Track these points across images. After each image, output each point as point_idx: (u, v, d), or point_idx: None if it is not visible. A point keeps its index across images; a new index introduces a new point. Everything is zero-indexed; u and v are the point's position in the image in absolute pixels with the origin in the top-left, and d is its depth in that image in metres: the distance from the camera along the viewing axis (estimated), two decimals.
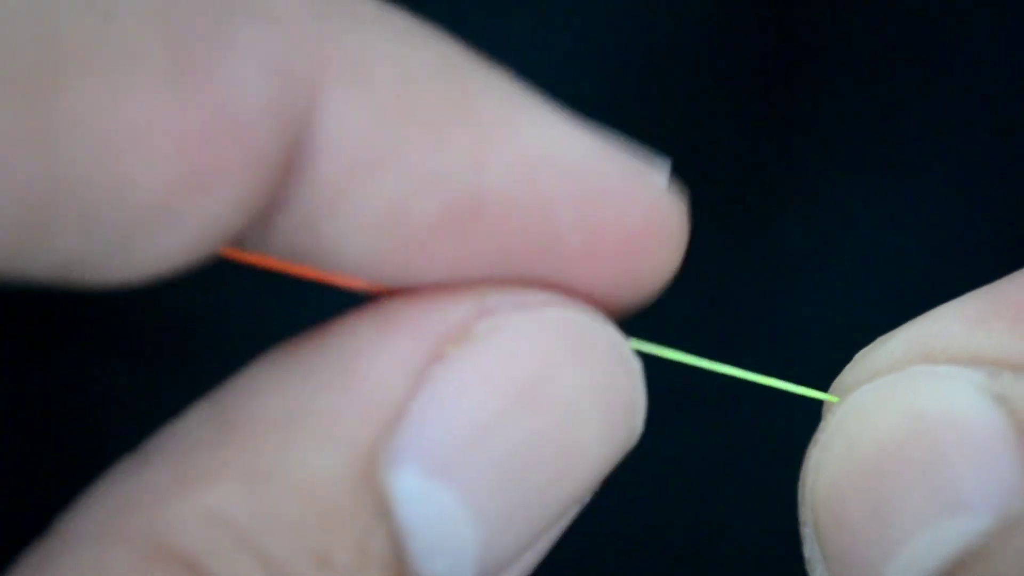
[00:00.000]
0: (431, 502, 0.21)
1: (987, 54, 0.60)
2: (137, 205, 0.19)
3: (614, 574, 0.59)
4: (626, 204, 0.22)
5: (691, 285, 0.60)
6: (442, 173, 0.21)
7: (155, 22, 0.19)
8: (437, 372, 0.21)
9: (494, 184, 0.21)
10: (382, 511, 0.21)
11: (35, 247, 0.19)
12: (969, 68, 0.60)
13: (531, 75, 0.24)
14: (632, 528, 0.59)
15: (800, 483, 0.24)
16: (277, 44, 0.20)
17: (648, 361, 0.24)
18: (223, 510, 0.20)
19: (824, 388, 0.26)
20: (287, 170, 0.20)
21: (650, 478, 0.53)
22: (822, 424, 0.24)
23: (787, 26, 0.61)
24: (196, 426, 0.21)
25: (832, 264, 0.59)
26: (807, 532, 0.24)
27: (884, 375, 0.24)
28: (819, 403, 0.26)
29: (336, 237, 0.21)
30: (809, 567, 0.24)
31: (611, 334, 0.23)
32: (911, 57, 0.60)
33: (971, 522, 0.22)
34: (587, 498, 0.23)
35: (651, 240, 0.23)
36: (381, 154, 0.21)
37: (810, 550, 0.24)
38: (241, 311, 0.55)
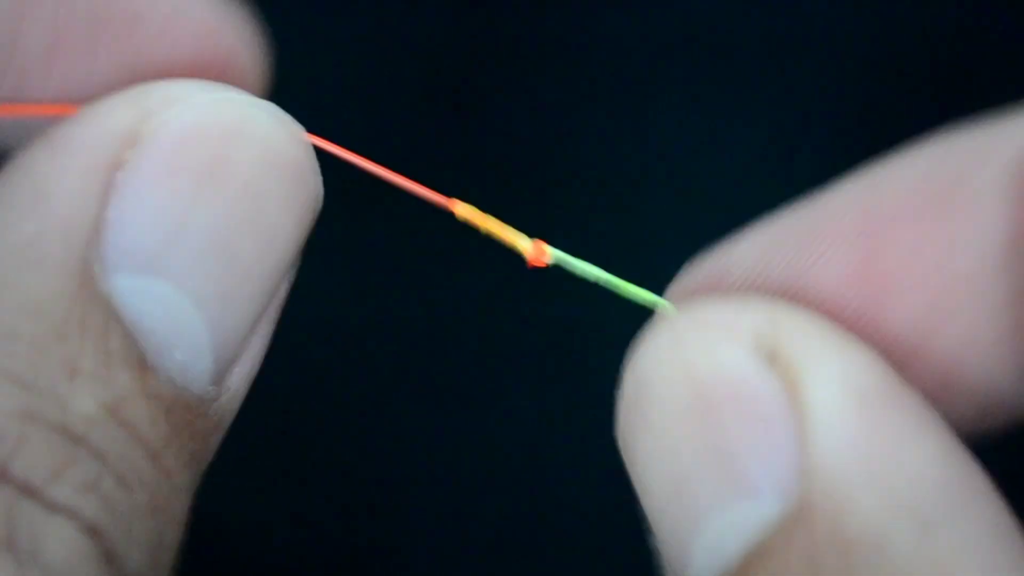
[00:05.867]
0: (151, 298, 0.22)
1: None
2: None
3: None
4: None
5: None
6: None
7: None
8: (120, 179, 0.23)
9: None
10: (111, 315, 0.22)
11: None
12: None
13: None
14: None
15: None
16: None
17: None
18: None
19: None
20: None
21: None
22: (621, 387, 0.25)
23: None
24: None
25: None
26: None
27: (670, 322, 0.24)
28: None
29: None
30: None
31: (268, 107, 0.24)
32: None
33: (759, 507, 0.22)
34: (289, 271, 0.25)
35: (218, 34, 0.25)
36: None
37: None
38: None
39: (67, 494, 0.21)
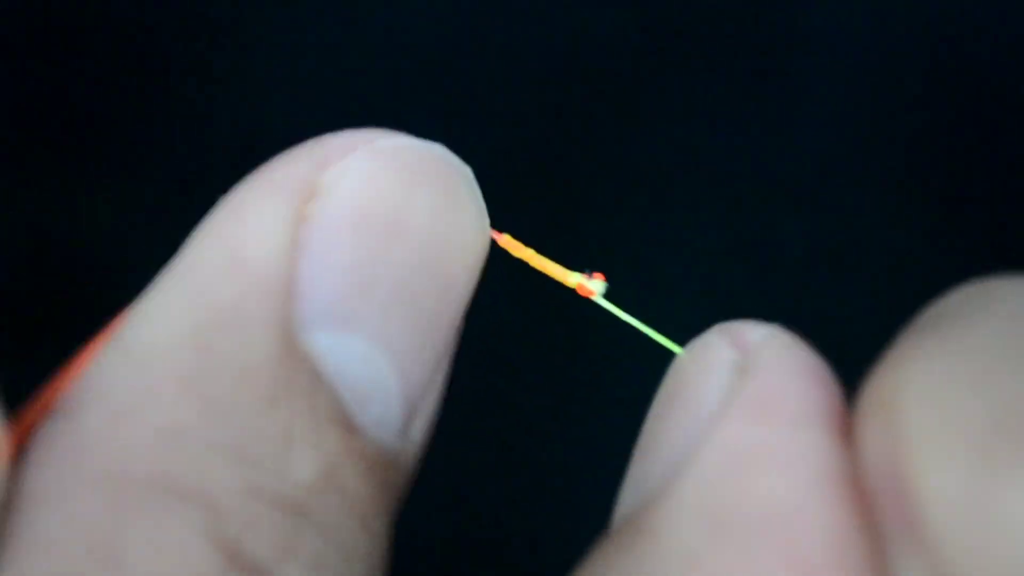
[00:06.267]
0: (349, 354, 0.22)
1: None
2: None
3: None
4: None
5: (689, 285, 0.60)
6: None
7: None
8: (306, 235, 0.23)
9: None
10: (315, 374, 0.22)
11: None
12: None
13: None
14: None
15: None
16: None
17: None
18: (172, 422, 0.21)
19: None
20: None
21: None
22: None
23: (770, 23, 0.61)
24: (110, 359, 0.22)
25: (832, 264, 0.58)
26: None
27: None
28: None
29: None
30: None
31: (437, 149, 0.24)
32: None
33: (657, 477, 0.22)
34: (462, 314, 0.24)
35: None
36: None
37: None
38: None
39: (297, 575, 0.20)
